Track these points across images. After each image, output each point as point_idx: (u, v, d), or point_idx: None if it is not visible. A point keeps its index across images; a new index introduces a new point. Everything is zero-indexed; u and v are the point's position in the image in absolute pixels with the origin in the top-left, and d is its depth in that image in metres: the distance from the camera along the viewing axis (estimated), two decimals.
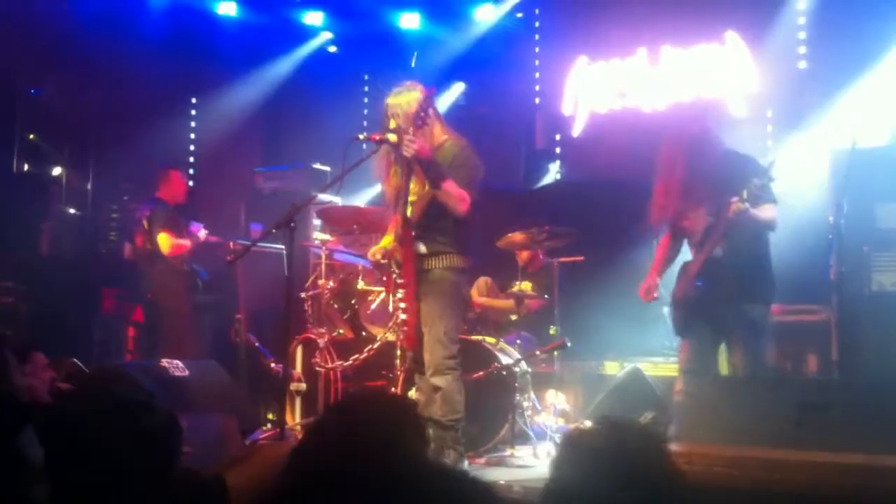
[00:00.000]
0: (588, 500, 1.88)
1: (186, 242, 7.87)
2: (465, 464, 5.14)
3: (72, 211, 9.66)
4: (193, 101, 10.52)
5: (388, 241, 5.28)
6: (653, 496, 1.88)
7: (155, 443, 2.16)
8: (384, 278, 5.37)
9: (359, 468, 1.80)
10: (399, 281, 5.13)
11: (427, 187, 4.96)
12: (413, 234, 4.98)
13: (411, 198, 5.01)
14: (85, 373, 5.97)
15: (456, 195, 4.91)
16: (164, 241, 7.73)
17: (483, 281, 7.78)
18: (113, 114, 9.33)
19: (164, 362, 6.03)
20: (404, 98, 5.01)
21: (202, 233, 8.00)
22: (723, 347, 5.18)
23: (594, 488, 1.87)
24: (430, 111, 5.02)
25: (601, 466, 1.90)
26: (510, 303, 7.09)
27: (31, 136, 9.32)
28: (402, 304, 5.07)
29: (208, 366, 6.43)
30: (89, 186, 9.72)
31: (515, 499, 4.48)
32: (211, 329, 8.31)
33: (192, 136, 10.51)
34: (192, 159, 10.23)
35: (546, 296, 7.09)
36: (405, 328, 5.06)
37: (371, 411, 2.06)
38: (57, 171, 9.62)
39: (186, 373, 6.02)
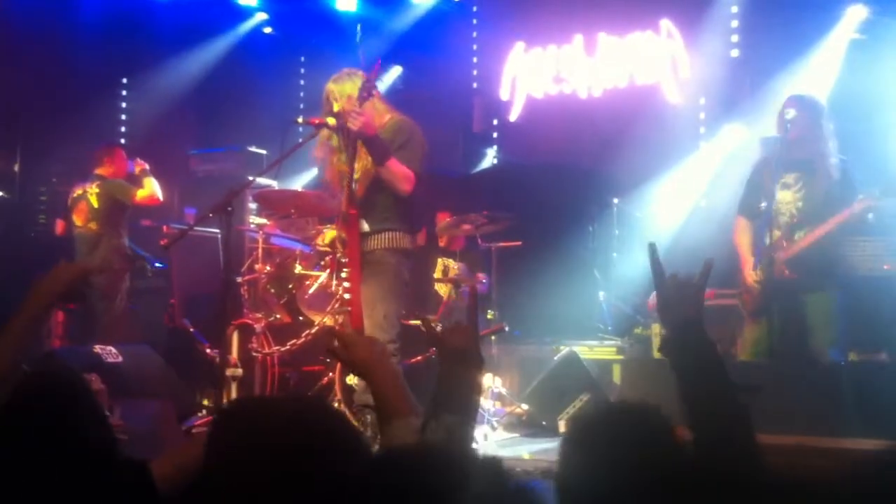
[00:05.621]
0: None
1: (147, 189, 7.68)
2: None
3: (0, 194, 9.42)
4: (124, 81, 10.30)
5: (333, 234, 5.24)
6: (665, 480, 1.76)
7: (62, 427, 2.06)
8: (327, 258, 5.33)
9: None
10: (343, 260, 5.10)
11: (371, 165, 4.93)
12: (357, 212, 4.95)
13: (356, 176, 4.98)
14: None
15: (400, 174, 4.89)
16: (139, 194, 7.60)
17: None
18: (41, 94, 9.08)
19: (98, 348, 5.91)
20: (347, 83, 4.97)
21: (144, 167, 7.77)
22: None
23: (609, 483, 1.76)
24: (376, 86, 4.99)
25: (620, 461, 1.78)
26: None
27: None
28: (346, 284, 5.05)
29: (142, 351, 6.33)
30: (16, 169, 9.49)
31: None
32: (145, 314, 8.17)
33: (124, 117, 10.31)
34: (123, 141, 9.99)
35: (483, 278, 7.11)
36: (348, 308, 5.05)
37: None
38: None
39: (120, 359, 5.91)
